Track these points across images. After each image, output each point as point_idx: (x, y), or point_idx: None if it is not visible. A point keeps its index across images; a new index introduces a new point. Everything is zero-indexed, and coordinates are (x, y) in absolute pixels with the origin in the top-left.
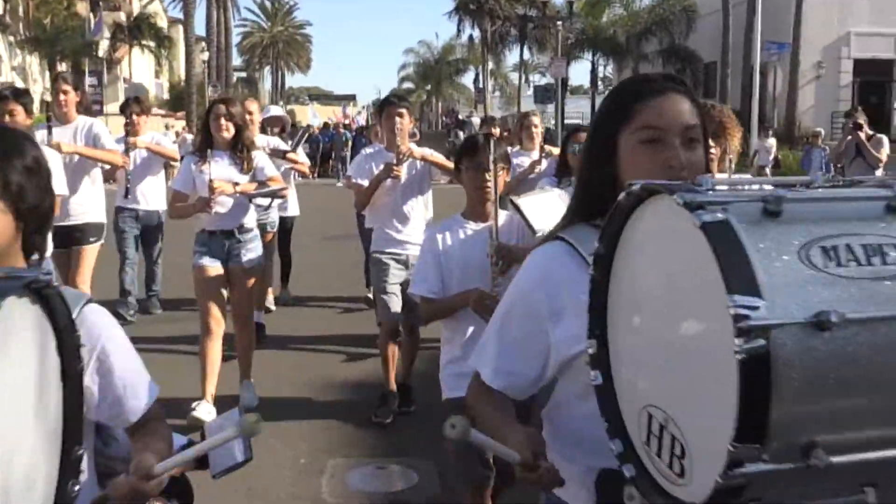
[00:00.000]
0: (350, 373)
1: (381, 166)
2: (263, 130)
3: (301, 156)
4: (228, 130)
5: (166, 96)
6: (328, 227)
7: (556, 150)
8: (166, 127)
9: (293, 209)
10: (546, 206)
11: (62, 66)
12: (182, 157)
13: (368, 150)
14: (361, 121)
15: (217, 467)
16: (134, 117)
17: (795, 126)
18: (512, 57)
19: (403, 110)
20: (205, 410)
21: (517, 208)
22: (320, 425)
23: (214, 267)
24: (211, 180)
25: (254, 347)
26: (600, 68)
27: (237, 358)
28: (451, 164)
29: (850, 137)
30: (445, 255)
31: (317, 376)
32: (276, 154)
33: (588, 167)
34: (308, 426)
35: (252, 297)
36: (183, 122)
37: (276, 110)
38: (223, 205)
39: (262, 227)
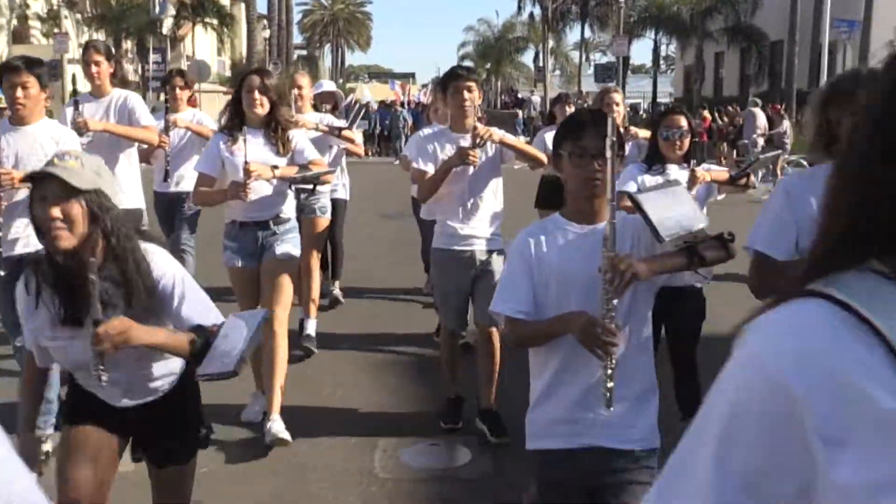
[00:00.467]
0: (404, 357)
1: (447, 149)
2: (315, 107)
3: (357, 135)
4: (263, 106)
5: (228, 74)
6: (385, 205)
7: (643, 133)
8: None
9: (342, 192)
10: (673, 203)
11: (127, 44)
12: None
13: (427, 130)
14: (423, 98)
15: (205, 368)
16: (177, 91)
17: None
18: (573, 35)
19: (472, 84)
20: (279, 427)
21: (637, 205)
22: (374, 404)
23: (250, 269)
24: (247, 162)
25: (285, 362)
26: (662, 47)
27: (263, 374)
28: (537, 152)
29: None
30: (540, 266)
31: (370, 357)
32: (331, 131)
33: (870, 175)
34: (361, 405)
35: (286, 295)
36: None
37: (329, 85)
38: (258, 191)
39: (312, 212)
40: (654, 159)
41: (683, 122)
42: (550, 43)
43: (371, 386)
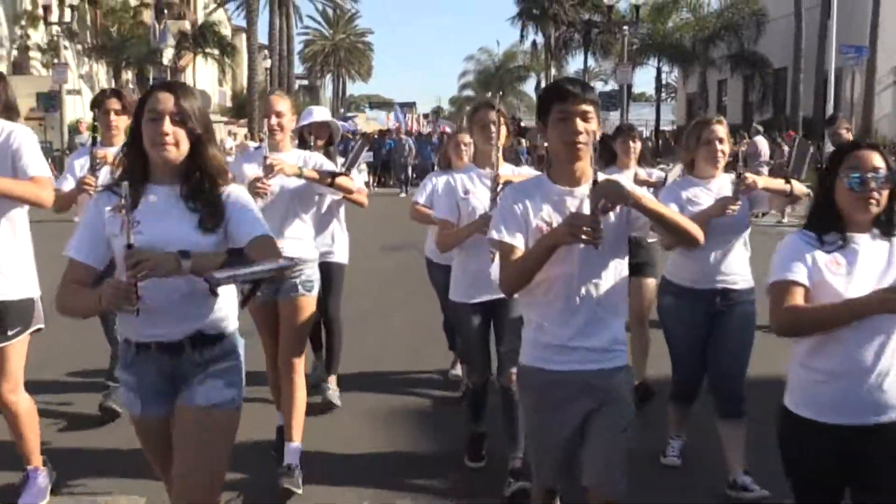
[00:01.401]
0: (414, 405)
1: (545, 211)
2: (303, 141)
3: (357, 179)
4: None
5: (229, 104)
6: (386, 236)
7: (769, 182)
8: (229, 133)
9: (339, 254)
10: None
11: (128, 74)
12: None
13: (445, 177)
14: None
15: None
16: (111, 117)
17: (872, 134)
18: (574, 64)
19: (591, 109)
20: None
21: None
22: (383, 463)
23: (156, 418)
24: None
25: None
26: (664, 75)
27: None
28: (693, 226)
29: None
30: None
31: (376, 407)
32: (322, 178)
33: None
34: (368, 465)
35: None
36: (245, 130)
37: (321, 114)
38: (159, 299)
39: (293, 290)
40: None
41: (880, 160)
42: (553, 71)
43: (379, 441)
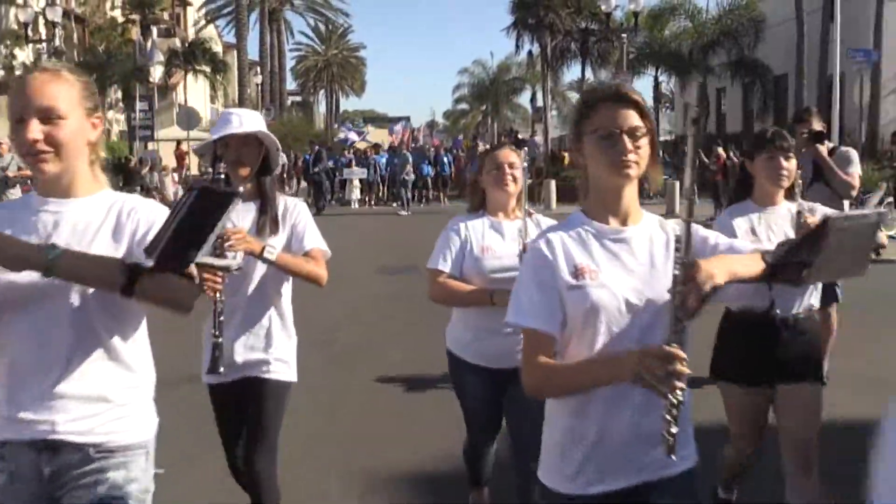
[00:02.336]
0: (412, 472)
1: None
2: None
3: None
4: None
5: None
6: (382, 257)
7: None
8: None
9: (282, 366)
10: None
11: (117, 93)
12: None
13: (473, 224)
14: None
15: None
16: None
17: (877, 140)
18: (570, 74)
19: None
20: None
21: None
22: None
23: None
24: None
25: None
26: (661, 84)
27: None
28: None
29: (804, 151)
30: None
31: (372, 473)
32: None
33: None
34: None
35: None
36: None
37: (250, 121)
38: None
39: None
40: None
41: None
42: (549, 83)
43: None
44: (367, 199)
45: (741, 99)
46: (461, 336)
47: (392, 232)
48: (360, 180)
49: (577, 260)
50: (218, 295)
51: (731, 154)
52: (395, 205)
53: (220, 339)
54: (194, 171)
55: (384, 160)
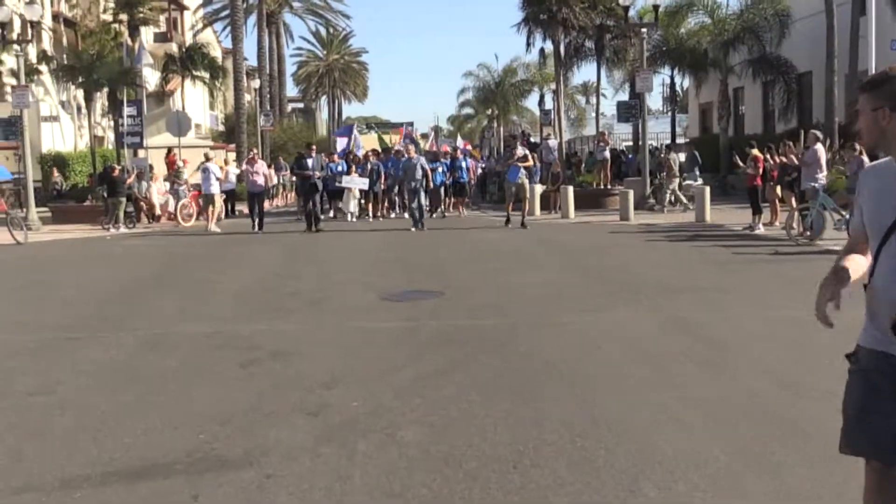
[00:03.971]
0: None
1: None
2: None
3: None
4: None
5: (221, 128)
6: (389, 283)
7: None
8: (206, 157)
9: None
10: None
11: (102, 97)
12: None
13: None
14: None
15: None
16: None
17: None
18: (579, 76)
19: None
20: None
21: None
22: None
23: None
24: None
25: None
26: (676, 85)
27: None
28: None
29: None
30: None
31: None
32: None
33: None
34: None
35: None
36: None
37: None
38: None
39: None
40: None
41: None
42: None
43: None
44: (369, 210)
45: (760, 98)
46: None
47: (397, 248)
48: (360, 190)
49: None
50: None
51: (768, 155)
52: (394, 215)
53: None
54: (191, 178)
55: (385, 168)
